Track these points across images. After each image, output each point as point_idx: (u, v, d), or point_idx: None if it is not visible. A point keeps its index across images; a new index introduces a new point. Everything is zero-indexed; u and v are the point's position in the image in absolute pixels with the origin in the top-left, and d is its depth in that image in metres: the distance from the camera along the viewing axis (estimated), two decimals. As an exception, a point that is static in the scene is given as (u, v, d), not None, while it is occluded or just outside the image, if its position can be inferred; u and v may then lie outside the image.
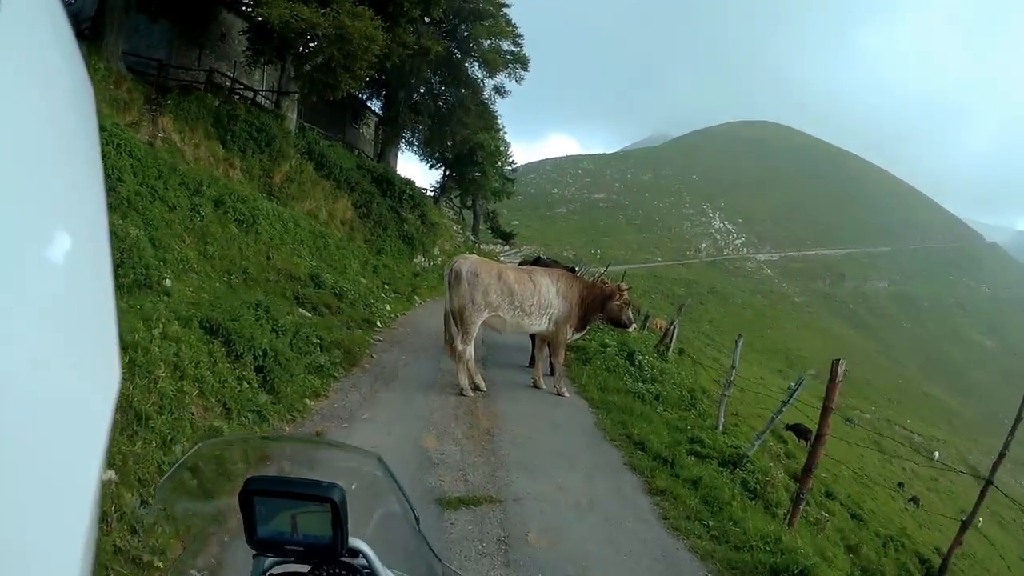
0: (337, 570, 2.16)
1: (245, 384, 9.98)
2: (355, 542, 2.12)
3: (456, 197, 66.36)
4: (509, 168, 69.61)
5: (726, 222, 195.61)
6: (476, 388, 13.95)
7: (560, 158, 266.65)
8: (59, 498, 0.65)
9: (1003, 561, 24.58)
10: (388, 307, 21.96)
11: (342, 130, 49.10)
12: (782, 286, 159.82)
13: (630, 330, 16.39)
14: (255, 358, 10.72)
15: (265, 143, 26.68)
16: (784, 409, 13.36)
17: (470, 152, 56.22)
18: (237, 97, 30.03)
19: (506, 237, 79.91)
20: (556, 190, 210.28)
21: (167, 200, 15.98)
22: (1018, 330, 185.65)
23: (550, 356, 15.47)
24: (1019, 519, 45.55)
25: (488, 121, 55.28)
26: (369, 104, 53.60)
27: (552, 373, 15.43)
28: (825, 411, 10.68)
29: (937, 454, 67.25)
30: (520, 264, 19.31)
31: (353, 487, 2.29)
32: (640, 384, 17.03)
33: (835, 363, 10.88)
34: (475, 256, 15.16)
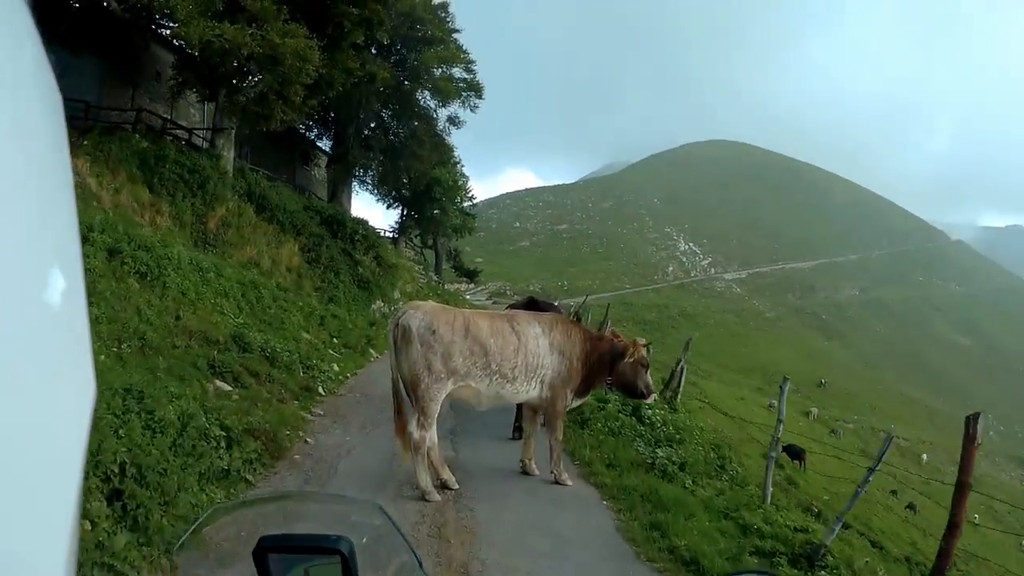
0: None
1: (87, 524, 6.66)
2: None
3: (416, 236, 64.63)
4: (469, 203, 68.38)
5: (691, 244, 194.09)
6: (444, 486, 10.32)
7: (519, 191, 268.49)
8: (40, 510, 0.66)
9: (1002, 555, 23.80)
10: (336, 367, 18.75)
11: (292, 172, 46.91)
12: (752, 303, 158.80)
13: (648, 401, 12.78)
14: (106, 479, 7.22)
15: (198, 185, 24.20)
16: (871, 477, 10.55)
17: (427, 188, 54.50)
18: (170, 138, 27.50)
19: (470, 275, 78.46)
20: (518, 224, 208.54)
21: None
22: (992, 325, 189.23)
23: (547, 431, 11.46)
24: (1013, 511, 44.71)
25: (444, 154, 53.28)
26: (319, 143, 51.43)
27: (550, 454, 11.43)
28: (961, 488, 8.01)
29: (925, 456, 68.06)
30: (507, 309, 14.88)
31: (364, 540, 2.25)
32: (657, 450, 13.70)
33: (971, 419, 8.02)
34: (431, 304, 10.89)
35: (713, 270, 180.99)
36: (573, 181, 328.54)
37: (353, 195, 50.50)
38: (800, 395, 78.12)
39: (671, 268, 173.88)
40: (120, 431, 7.98)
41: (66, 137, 0.83)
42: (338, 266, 31.46)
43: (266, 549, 2.00)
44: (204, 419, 9.71)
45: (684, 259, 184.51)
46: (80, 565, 6.21)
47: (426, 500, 9.74)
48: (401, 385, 10.19)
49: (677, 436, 15.07)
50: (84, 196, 18.71)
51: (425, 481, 9.91)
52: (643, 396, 11.75)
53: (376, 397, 16.26)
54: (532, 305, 14.18)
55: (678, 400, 20.67)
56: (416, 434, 9.85)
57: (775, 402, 59.18)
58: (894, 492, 35.35)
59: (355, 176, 49.70)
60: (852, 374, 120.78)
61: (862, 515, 22.59)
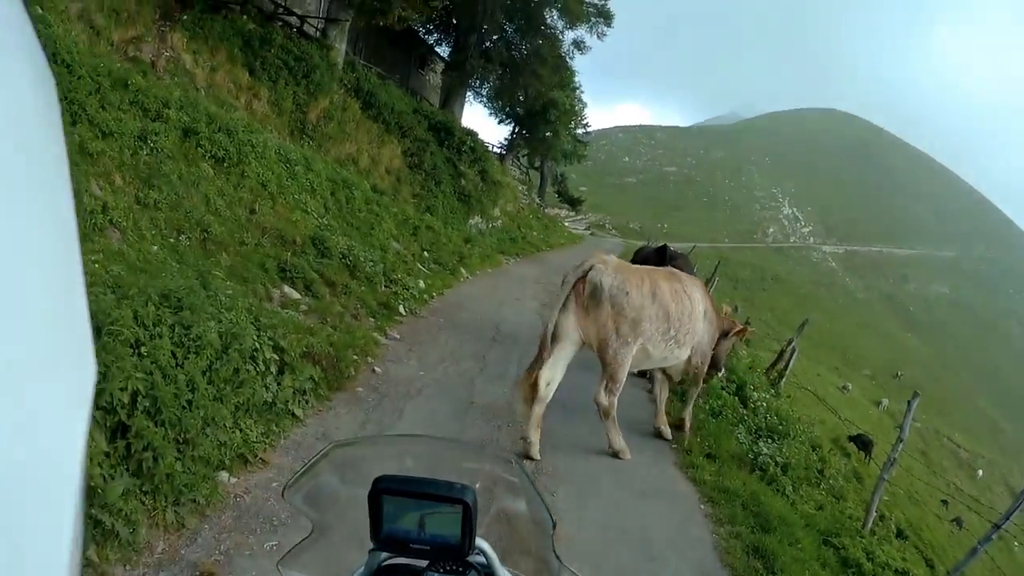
0: (454, 566, 2.02)
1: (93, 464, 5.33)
2: (478, 541, 2.00)
3: (524, 156, 63.01)
4: (583, 130, 65.79)
5: (795, 209, 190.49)
6: (526, 454, 9.13)
7: (633, 127, 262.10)
8: (43, 498, 0.66)
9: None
10: (422, 284, 17.31)
11: (405, 75, 45.19)
12: (845, 280, 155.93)
13: (718, 375, 12.62)
14: (111, 411, 5.70)
15: (303, 74, 22.60)
16: (993, 535, 9.28)
17: (543, 109, 51.97)
18: (280, 24, 25.80)
19: (573, 203, 76.85)
20: (627, 159, 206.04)
21: (98, 123, 11.08)
22: None
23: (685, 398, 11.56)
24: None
25: (565, 77, 51.17)
26: (437, 50, 49.31)
27: (680, 427, 11.43)
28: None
29: (980, 472, 64.90)
30: (638, 255, 14.37)
31: (477, 486, 2.06)
32: (759, 443, 12.21)
33: None
34: (617, 260, 10.03)
35: (812, 239, 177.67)
36: (687, 125, 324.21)
37: (466, 105, 48.40)
38: (875, 384, 77.63)
39: (772, 230, 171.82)
40: (143, 349, 6.45)
41: (60, 121, 0.82)
42: (440, 175, 30.10)
43: (382, 490, 1.87)
44: (255, 337, 8.22)
45: (786, 223, 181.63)
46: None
47: (619, 458, 9.75)
48: (550, 338, 9.42)
49: (780, 427, 13.51)
50: (176, 72, 17.43)
51: (618, 441, 9.82)
52: (718, 371, 11.93)
53: (461, 325, 15.09)
54: (662, 253, 13.37)
55: (782, 384, 19.09)
56: (605, 400, 9.51)
57: (886, 402, 58.04)
58: (945, 502, 33.74)
59: (470, 86, 47.57)
60: (928, 372, 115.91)
61: (916, 521, 21.16)
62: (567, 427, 10.74)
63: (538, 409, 9.16)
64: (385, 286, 15.26)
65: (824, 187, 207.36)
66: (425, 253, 20.94)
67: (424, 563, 2.04)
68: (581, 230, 76.49)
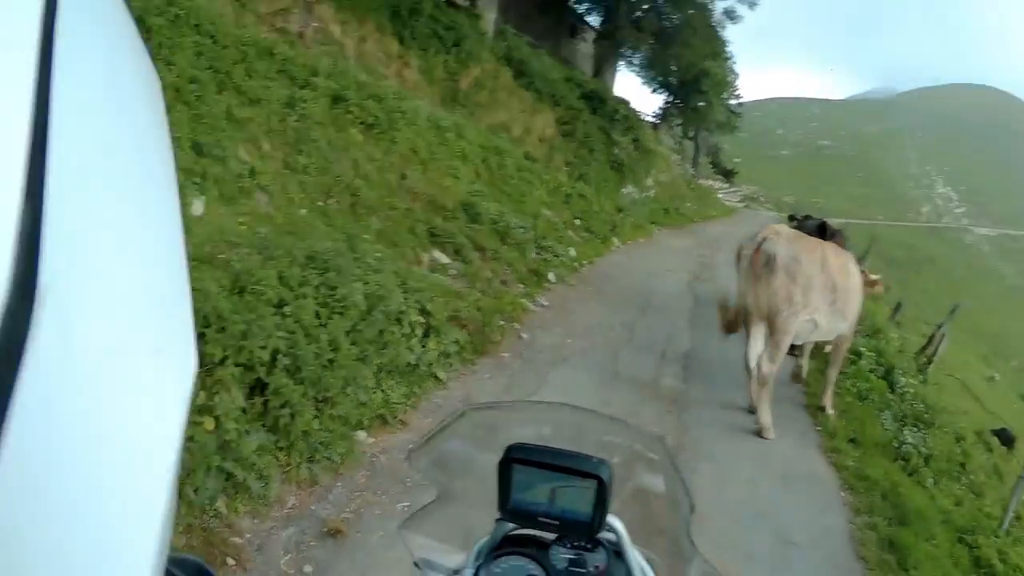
0: (584, 542, 1.94)
1: (210, 421, 5.35)
2: (610, 518, 1.84)
3: (677, 126, 61.62)
4: (736, 101, 64.47)
5: (949, 188, 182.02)
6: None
7: (785, 99, 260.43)
8: (136, 489, 0.64)
9: None
10: (573, 252, 17.11)
11: (556, 43, 44.51)
12: (998, 265, 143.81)
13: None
14: (249, 368, 5.83)
15: (453, 43, 22.65)
16: None
17: (695, 79, 50.88)
18: (429, -9, 25.70)
19: (727, 175, 76.21)
20: (781, 131, 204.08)
21: (245, 91, 11.13)
22: None
23: (830, 367, 11.25)
24: None
25: (717, 47, 50.32)
26: (587, 19, 49.10)
27: (826, 388, 11.23)
28: None
29: None
30: (799, 227, 14.00)
31: (616, 460, 1.94)
32: (904, 431, 11.63)
33: None
34: (789, 230, 10.63)
35: (966, 220, 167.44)
36: (842, 98, 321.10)
37: (618, 75, 49.00)
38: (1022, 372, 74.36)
39: (925, 209, 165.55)
40: (286, 309, 6.53)
41: (165, 118, 0.82)
42: (593, 143, 29.70)
43: (514, 460, 1.74)
44: (402, 299, 8.26)
45: (940, 202, 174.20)
46: (191, 471, 5.43)
47: (763, 437, 9.55)
48: (747, 314, 9.84)
49: (926, 416, 12.79)
50: (325, 42, 17.57)
51: (767, 417, 9.61)
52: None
53: (610, 294, 14.81)
54: (822, 229, 13.30)
55: (930, 370, 18.20)
56: (766, 367, 9.45)
57: None
58: None
59: (622, 55, 47.37)
60: None
61: None
62: (712, 396, 10.63)
63: (764, 392, 9.48)
64: (535, 253, 15.17)
65: (978, 167, 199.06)
66: (576, 221, 20.72)
67: (552, 536, 1.95)
68: (735, 202, 75.30)
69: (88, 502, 0.55)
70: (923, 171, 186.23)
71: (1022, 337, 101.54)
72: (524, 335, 10.90)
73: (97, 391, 0.56)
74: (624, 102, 37.08)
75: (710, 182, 71.06)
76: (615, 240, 22.13)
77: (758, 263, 9.50)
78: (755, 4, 46.30)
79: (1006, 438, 24.70)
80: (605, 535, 1.90)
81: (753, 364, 9.60)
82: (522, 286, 13.06)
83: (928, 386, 16.02)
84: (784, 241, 9.57)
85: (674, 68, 48.85)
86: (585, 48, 49.87)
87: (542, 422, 2.48)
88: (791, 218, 15.83)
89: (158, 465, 0.65)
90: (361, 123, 13.70)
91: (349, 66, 16.51)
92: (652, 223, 30.19)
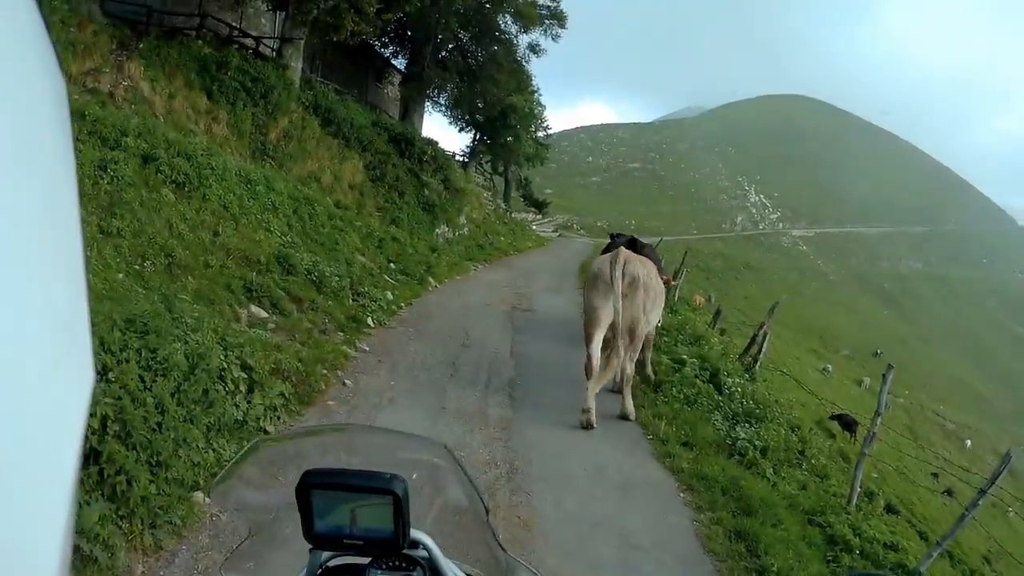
0: (397, 562, 2.06)
1: None
2: (416, 534, 2.01)
3: (487, 163, 62.83)
4: (544, 133, 65.86)
5: (762, 196, 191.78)
6: (589, 424, 11.05)
7: (595, 126, 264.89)
8: (36, 500, 0.66)
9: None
10: (390, 295, 17.37)
11: (364, 89, 45.37)
12: (816, 263, 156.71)
13: None
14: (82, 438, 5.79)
15: (260, 95, 22.69)
16: (980, 501, 9.36)
17: (502, 114, 51.78)
18: (236, 46, 25.89)
19: (539, 206, 76.91)
20: (590, 158, 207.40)
21: None
22: None
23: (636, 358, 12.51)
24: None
25: (522, 82, 51.26)
26: (394, 62, 49.28)
27: (624, 379, 12.12)
28: None
29: (968, 442, 66.27)
30: (612, 243, 15.36)
31: (414, 476, 2.20)
32: (736, 428, 12.33)
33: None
34: (635, 255, 12.24)
35: (781, 224, 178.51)
36: (650, 120, 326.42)
37: (425, 116, 48.41)
38: (855, 363, 78.18)
39: (740, 218, 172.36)
40: (110, 375, 6.54)
41: (69, 124, 0.83)
42: (403, 186, 30.08)
43: (310, 485, 1.86)
44: (222, 357, 8.36)
45: (754, 210, 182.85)
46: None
47: (628, 420, 11.77)
48: (603, 325, 11.64)
49: (757, 411, 13.48)
50: (135, 101, 17.51)
51: (630, 406, 11.97)
52: None
53: (430, 333, 15.23)
54: (632, 243, 14.08)
55: (757, 368, 18.98)
56: (629, 368, 11.76)
57: (867, 380, 58.29)
58: (935, 475, 34.05)
59: (429, 96, 47.50)
60: (907, 348, 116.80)
61: (907, 496, 21.39)
62: (540, 415, 11.27)
63: (627, 388, 11.87)
64: (352, 299, 15.39)
65: (789, 172, 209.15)
66: (391, 265, 21.00)
67: (367, 560, 2.05)
68: (549, 232, 76.95)
69: None
70: (735, 183, 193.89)
71: (849, 327, 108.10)
72: (348, 382, 10.95)
73: None
74: (432, 143, 37.37)
75: (523, 214, 72.33)
76: (431, 280, 22.42)
77: (623, 283, 11.29)
78: (558, 36, 47.06)
79: (846, 423, 26.97)
80: (419, 553, 2.03)
81: (597, 365, 11.31)
82: (342, 333, 13.21)
83: (757, 384, 16.84)
84: (640, 264, 11.63)
85: (480, 105, 49.58)
86: (392, 92, 50.38)
87: (339, 447, 2.64)
88: (611, 236, 16.61)
89: (57, 478, 0.70)
90: (172, 182, 13.77)
91: (158, 125, 16.52)
92: (468, 260, 30.83)
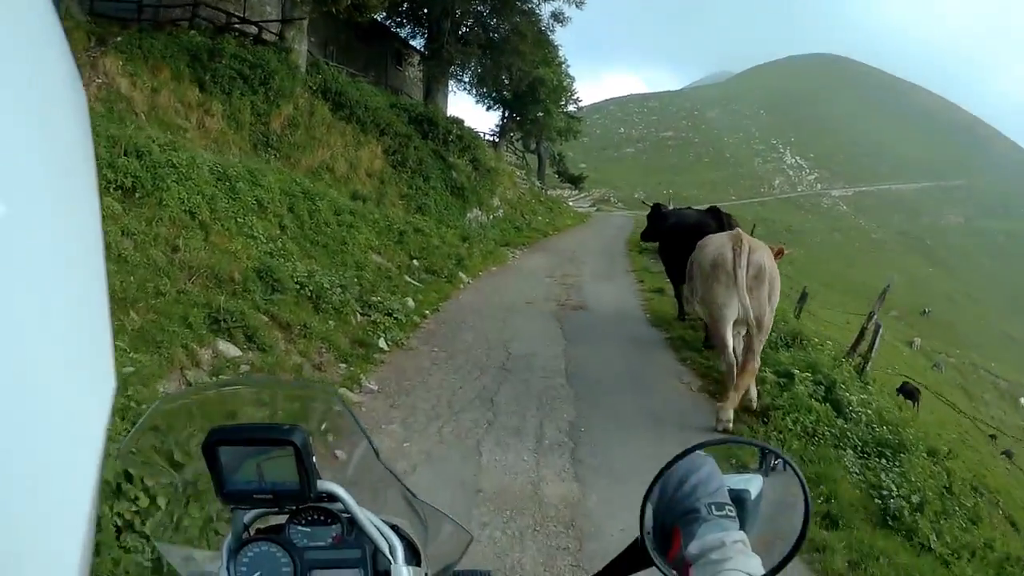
0: (314, 516, 1.80)
1: None
2: (327, 485, 1.75)
3: (518, 140, 61.11)
4: (574, 106, 64.11)
5: (797, 157, 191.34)
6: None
7: (623, 97, 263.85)
8: (57, 507, 0.66)
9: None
10: (411, 302, 14.66)
11: (383, 73, 43.46)
12: (858, 222, 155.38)
13: None
14: None
15: (260, 81, 20.77)
16: None
17: (530, 89, 49.84)
18: (235, 34, 24.10)
19: (575, 181, 73.90)
20: (622, 129, 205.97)
21: None
22: None
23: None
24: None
25: (548, 53, 49.37)
26: (412, 43, 47.00)
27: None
28: None
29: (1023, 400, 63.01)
30: (671, 220, 15.55)
31: (324, 427, 2.07)
32: (878, 473, 8.80)
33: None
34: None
35: (819, 186, 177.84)
36: (678, 88, 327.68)
37: (449, 95, 46.22)
38: (904, 323, 76.17)
39: (778, 181, 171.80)
40: None
41: (89, 130, 0.82)
42: (428, 170, 27.82)
43: (216, 442, 1.63)
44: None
45: (791, 173, 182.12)
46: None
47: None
48: (728, 318, 10.28)
49: (891, 438, 10.14)
50: (110, 99, 15.94)
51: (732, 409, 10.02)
52: None
53: (460, 352, 12.34)
54: (718, 215, 14.45)
55: (868, 370, 15.62)
56: (756, 362, 10.23)
57: (918, 341, 56.24)
58: (993, 437, 32.90)
59: (451, 75, 45.39)
60: (955, 305, 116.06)
61: (972, 465, 17.27)
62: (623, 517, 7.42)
63: (736, 396, 9.97)
64: (361, 314, 12.75)
65: (823, 132, 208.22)
66: (414, 262, 18.52)
67: (285, 517, 1.79)
68: (587, 207, 75.13)
69: (7, 523, 0.56)
70: (769, 146, 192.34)
71: (895, 286, 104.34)
72: (340, 452, 7.98)
73: (13, 406, 0.57)
74: (457, 121, 34.56)
75: (559, 191, 70.48)
76: (463, 276, 19.86)
77: (747, 275, 9.96)
78: (582, 3, 44.55)
79: (908, 392, 25.42)
80: (335, 505, 1.76)
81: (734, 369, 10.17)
82: (344, 365, 10.62)
83: (875, 394, 13.79)
84: (766, 253, 10.30)
85: (506, 80, 47.76)
86: (413, 74, 48.61)
87: (244, 402, 2.19)
88: (655, 208, 16.23)
89: (78, 485, 0.66)
90: (117, 188, 11.07)
91: (95, 119, 13.65)
92: (505, 245, 28.56)
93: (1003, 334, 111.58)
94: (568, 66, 57.41)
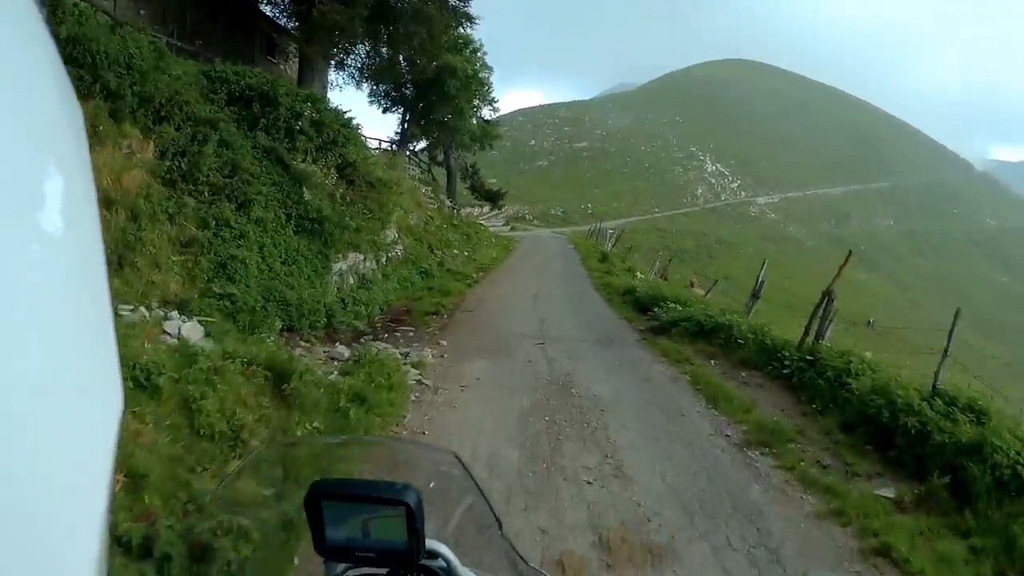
0: (415, 574, 2.01)
1: None
2: (433, 544, 1.97)
3: (423, 151, 50.73)
4: (490, 109, 53.18)
5: (719, 164, 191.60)
6: None
7: (532, 108, 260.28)
8: (69, 523, 0.68)
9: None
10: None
11: (251, 65, 29.48)
12: (788, 230, 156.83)
13: None
14: None
15: None
16: None
17: (437, 79, 39.72)
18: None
19: (493, 198, 64.81)
20: (533, 142, 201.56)
21: None
22: None
23: None
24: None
25: (458, 20, 37.76)
26: (289, 29, 34.87)
27: None
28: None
29: None
30: None
31: (432, 485, 2.37)
32: None
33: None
34: None
35: (744, 193, 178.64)
36: (588, 98, 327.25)
37: (334, 91, 38.38)
38: (851, 336, 68.17)
39: (701, 190, 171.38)
40: None
41: (86, 142, 0.83)
42: (244, 187, 14.59)
43: (320, 496, 1.81)
44: None
45: (713, 181, 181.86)
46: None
47: None
48: None
49: None
50: None
51: None
52: None
53: None
54: None
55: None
56: None
57: (868, 355, 48.02)
58: None
59: (333, 56, 33.37)
60: (898, 311, 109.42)
61: None
62: None
63: None
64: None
65: (742, 138, 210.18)
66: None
67: (383, 572, 1.99)
68: (500, 226, 67.13)
69: (22, 539, 0.59)
70: (689, 153, 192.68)
71: (837, 297, 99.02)
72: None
73: (23, 430, 0.59)
74: (314, 99, 20.22)
75: (469, 209, 61.66)
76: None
77: None
78: (475, 21, 38.48)
79: None
80: (436, 563, 1.95)
81: None
82: None
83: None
84: None
85: (405, 64, 37.65)
86: (290, 69, 37.40)
87: (351, 459, 2.65)
88: None
89: (90, 502, 0.68)
90: None
91: None
92: (398, 324, 16.34)
93: (956, 340, 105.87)
94: (484, 53, 46.80)
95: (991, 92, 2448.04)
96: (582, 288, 25.31)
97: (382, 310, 17.62)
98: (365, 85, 40.14)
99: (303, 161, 17.09)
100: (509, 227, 72.18)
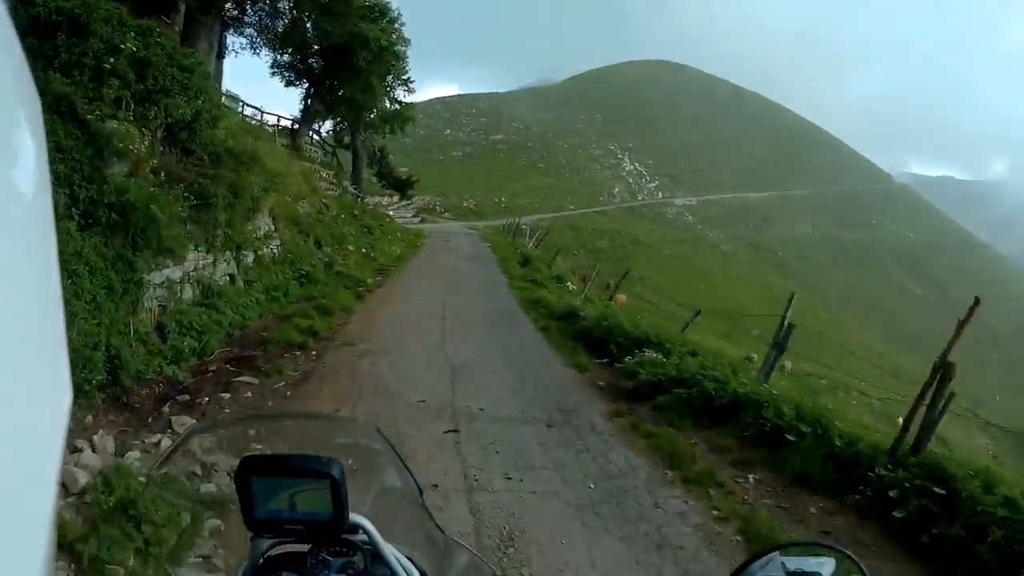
0: (338, 548, 2.15)
1: None
2: (355, 518, 2.05)
3: (328, 132, 47.39)
4: (404, 85, 47.20)
5: (637, 164, 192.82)
6: None
7: (450, 97, 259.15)
8: (15, 523, 0.68)
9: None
10: None
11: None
12: (706, 233, 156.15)
13: None
14: None
15: None
16: None
17: (345, 47, 34.28)
18: None
19: (402, 187, 59.07)
20: (448, 131, 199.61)
21: None
22: (944, 275, 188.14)
23: None
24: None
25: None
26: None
27: None
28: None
29: (900, 420, 54.39)
30: None
31: (350, 462, 2.31)
32: None
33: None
34: None
35: (661, 194, 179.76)
36: (506, 91, 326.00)
37: (226, 52, 31.27)
38: (766, 343, 66.14)
39: (617, 189, 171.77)
40: None
41: (43, 133, 0.84)
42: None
43: (249, 470, 1.91)
44: None
45: (631, 180, 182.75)
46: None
47: None
48: None
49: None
50: None
51: None
52: None
53: None
54: None
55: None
56: None
57: (789, 364, 46.77)
58: None
59: (225, 11, 27.86)
60: (815, 319, 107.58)
61: None
62: None
63: None
64: None
65: (662, 138, 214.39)
66: None
67: (307, 548, 2.07)
68: (410, 218, 63.69)
69: None
70: (607, 151, 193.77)
71: (751, 302, 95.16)
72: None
73: None
74: (143, 30, 13.33)
75: (377, 199, 57.69)
76: None
77: None
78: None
79: None
80: (358, 537, 2.06)
81: None
82: None
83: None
84: None
85: (309, 26, 32.77)
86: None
87: (275, 434, 2.73)
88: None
89: (36, 499, 0.69)
90: None
91: None
92: (240, 360, 11.79)
93: (865, 348, 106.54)
94: (403, 24, 41.53)
95: (912, 107, 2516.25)
96: (506, 308, 19.80)
97: (231, 336, 12.37)
98: (265, 53, 35.37)
99: (112, 117, 11.28)
100: (419, 219, 69.24)
